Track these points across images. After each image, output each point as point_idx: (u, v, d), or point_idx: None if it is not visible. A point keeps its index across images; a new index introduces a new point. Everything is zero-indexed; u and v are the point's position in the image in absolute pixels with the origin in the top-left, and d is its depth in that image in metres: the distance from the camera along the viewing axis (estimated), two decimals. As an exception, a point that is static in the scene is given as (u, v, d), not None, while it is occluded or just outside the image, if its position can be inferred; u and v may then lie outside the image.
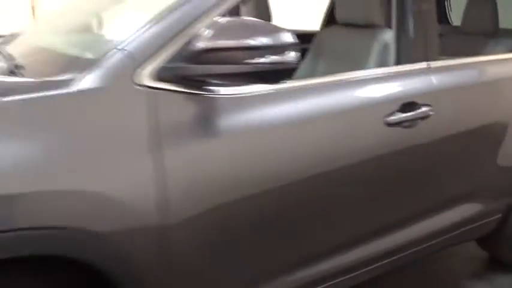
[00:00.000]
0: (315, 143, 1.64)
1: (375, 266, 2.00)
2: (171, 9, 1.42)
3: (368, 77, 1.84)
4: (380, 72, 1.90)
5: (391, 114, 1.81)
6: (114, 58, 1.32)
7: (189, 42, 1.37)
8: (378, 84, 1.85)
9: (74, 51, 1.54)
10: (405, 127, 1.85)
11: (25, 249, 1.17)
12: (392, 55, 2.03)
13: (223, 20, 1.36)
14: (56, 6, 5.03)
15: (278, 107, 1.55)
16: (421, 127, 1.90)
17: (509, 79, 2.26)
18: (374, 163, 1.79)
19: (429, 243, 2.18)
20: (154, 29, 1.38)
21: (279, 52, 1.32)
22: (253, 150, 1.50)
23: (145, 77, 1.34)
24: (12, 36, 2.14)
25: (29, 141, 1.18)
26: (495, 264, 2.72)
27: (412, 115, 1.87)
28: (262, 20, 1.36)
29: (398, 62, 2.01)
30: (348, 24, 2.32)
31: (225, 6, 1.47)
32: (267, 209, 1.56)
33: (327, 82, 1.72)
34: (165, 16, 1.41)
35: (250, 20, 1.36)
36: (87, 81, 1.28)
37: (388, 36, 2.09)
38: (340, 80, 1.75)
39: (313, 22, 3.19)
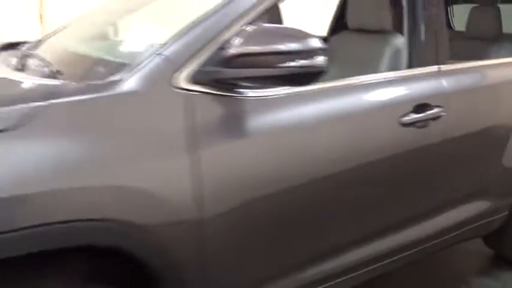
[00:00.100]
0: (336, 142, 1.73)
1: (388, 261, 2.08)
2: (204, 17, 1.52)
3: (383, 80, 1.94)
4: (394, 76, 2.00)
5: (406, 115, 1.91)
6: (154, 63, 1.41)
7: (221, 48, 1.47)
8: (392, 87, 1.95)
9: (111, 57, 1.63)
10: (418, 127, 1.95)
11: (81, 240, 1.26)
12: (404, 59, 2.13)
13: (254, 27, 1.46)
14: (64, 14, 5.12)
15: (302, 108, 1.65)
16: (433, 127, 2.00)
17: None
18: (390, 161, 1.88)
19: (438, 240, 2.25)
20: (190, 35, 1.47)
21: (308, 56, 1.42)
22: (280, 148, 1.59)
23: (182, 80, 1.43)
24: (40, 42, 2.23)
25: (81, 140, 1.27)
26: (500, 262, 2.80)
27: (425, 116, 1.96)
28: (291, 27, 1.46)
29: (410, 66, 2.11)
30: (359, 30, 2.42)
31: (253, 15, 1.56)
32: (293, 205, 1.65)
33: (346, 85, 1.81)
34: (199, 23, 1.50)
35: (280, 26, 1.46)
36: (129, 84, 1.37)
37: (399, 41, 2.19)
38: (358, 83, 1.85)
39: (319, 28, 3.29)
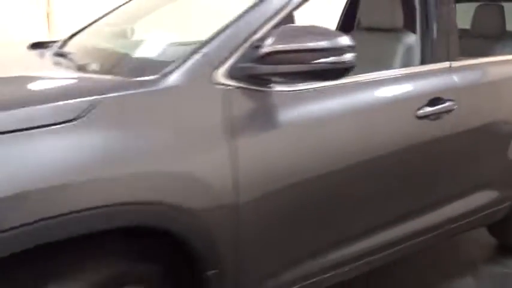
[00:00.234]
0: (359, 134, 1.85)
1: (402, 246, 2.20)
2: (238, 17, 1.64)
3: (400, 76, 2.07)
4: (410, 71, 2.13)
5: (421, 108, 2.03)
6: (195, 60, 1.53)
7: (255, 46, 1.58)
8: (408, 82, 2.07)
9: (151, 55, 1.75)
10: (432, 120, 2.07)
11: (135, 221, 1.38)
12: (417, 56, 2.25)
13: (285, 26, 1.58)
14: (71, 13, 5.19)
15: (327, 102, 1.77)
16: (446, 120, 2.12)
17: None
18: (407, 152, 2.01)
19: (448, 228, 2.37)
20: (226, 35, 1.60)
21: (337, 53, 1.53)
22: (307, 139, 1.71)
23: (220, 75, 1.55)
24: (67, 41, 2.33)
25: (135, 131, 1.39)
26: (505, 249, 2.93)
27: (438, 109, 2.09)
28: (322, 26, 1.57)
29: (423, 62, 2.23)
30: (373, 29, 2.53)
31: (282, 14, 1.68)
32: (319, 193, 1.77)
33: (366, 80, 1.93)
34: (234, 23, 1.62)
35: (309, 25, 1.57)
36: (174, 80, 1.49)
37: (411, 39, 2.31)
38: (377, 78, 1.97)
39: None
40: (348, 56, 1.54)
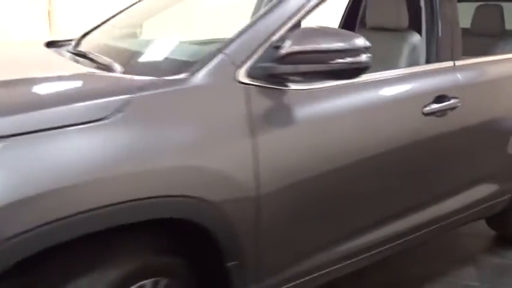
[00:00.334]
0: (369, 129, 1.94)
1: (409, 237, 2.29)
2: (258, 19, 1.72)
3: (408, 74, 2.17)
4: (416, 71, 2.23)
5: (427, 105, 2.12)
6: (219, 60, 1.61)
7: (274, 46, 1.66)
8: (415, 80, 2.17)
9: (176, 55, 1.83)
10: (438, 116, 2.16)
11: (162, 213, 1.46)
12: (422, 56, 2.35)
13: (303, 27, 1.66)
14: (73, 11, 5.23)
15: (340, 99, 1.86)
16: (450, 116, 2.21)
17: None
18: (414, 147, 2.10)
19: (450, 220, 2.46)
20: (248, 35, 1.68)
21: (354, 54, 1.62)
22: (322, 134, 1.80)
23: (242, 74, 1.63)
24: (82, 39, 2.40)
25: (165, 127, 1.47)
26: (504, 241, 3.04)
27: (444, 106, 2.18)
28: (339, 28, 1.65)
29: (428, 62, 2.33)
30: (378, 29, 2.61)
31: (298, 16, 1.76)
32: (333, 186, 1.86)
33: (376, 78, 2.01)
34: (254, 24, 1.71)
35: (326, 27, 1.66)
36: (200, 79, 1.57)
37: (416, 38, 2.40)
38: (387, 77, 2.06)
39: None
40: (364, 57, 1.62)
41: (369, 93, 1.97)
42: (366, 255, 2.12)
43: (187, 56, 1.75)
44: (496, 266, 2.82)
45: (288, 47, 1.62)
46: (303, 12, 1.77)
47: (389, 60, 2.36)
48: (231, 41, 1.67)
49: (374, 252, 2.15)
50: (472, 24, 3.17)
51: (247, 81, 1.63)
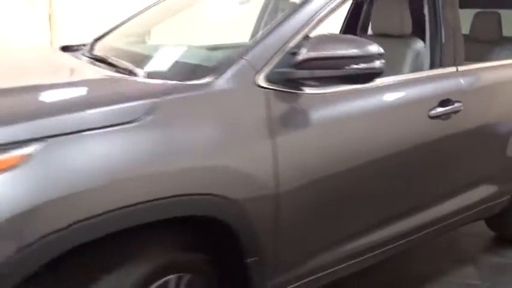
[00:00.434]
0: (378, 132, 2.03)
1: (412, 237, 2.37)
2: (276, 26, 1.81)
3: (413, 79, 2.26)
4: (421, 76, 2.32)
5: (433, 108, 2.21)
6: (240, 65, 1.69)
7: (291, 53, 1.75)
8: (420, 85, 2.26)
9: (197, 61, 1.91)
10: (443, 119, 2.25)
11: (189, 211, 1.53)
12: (426, 61, 2.44)
13: (320, 34, 1.74)
14: (73, 14, 5.26)
15: (352, 103, 1.95)
16: (454, 120, 2.31)
17: None
18: (420, 149, 2.19)
19: (451, 221, 2.54)
20: (267, 41, 1.76)
21: (368, 60, 1.70)
22: (334, 136, 1.88)
23: (261, 79, 1.71)
24: (95, 44, 2.46)
25: (191, 129, 1.55)
26: (503, 241, 3.13)
27: (448, 109, 2.27)
28: (353, 36, 1.74)
29: (432, 67, 2.42)
30: (382, 35, 2.70)
31: (314, 23, 1.84)
32: (347, 185, 1.94)
33: (385, 83, 2.09)
34: (273, 31, 1.79)
35: (341, 35, 1.74)
36: (222, 84, 1.65)
37: (420, 45, 2.49)
38: (395, 82, 2.15)
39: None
40: (378, 63, 1.71)
41: (379, 97, 2.06)
42: (369, 255, 2.19)
43: (207, 61, 1.83)
44: (495, 265, 2.90)
45: (304, 53, 1.70)
46: (316, 20, 1.86)
47: (394, 66, 2.45)
48: (251, 46, 1.75)
49: (378, 252, 2.22)
50: (470, 30, 3.27)
51: (266, 85, 1.71)
